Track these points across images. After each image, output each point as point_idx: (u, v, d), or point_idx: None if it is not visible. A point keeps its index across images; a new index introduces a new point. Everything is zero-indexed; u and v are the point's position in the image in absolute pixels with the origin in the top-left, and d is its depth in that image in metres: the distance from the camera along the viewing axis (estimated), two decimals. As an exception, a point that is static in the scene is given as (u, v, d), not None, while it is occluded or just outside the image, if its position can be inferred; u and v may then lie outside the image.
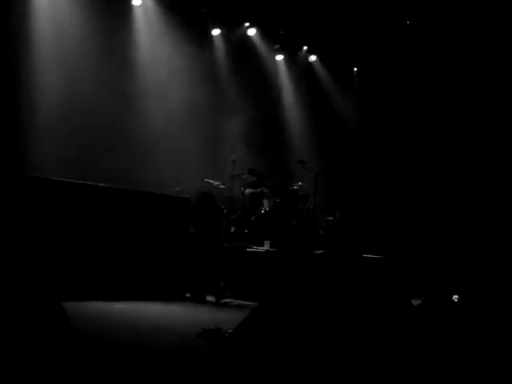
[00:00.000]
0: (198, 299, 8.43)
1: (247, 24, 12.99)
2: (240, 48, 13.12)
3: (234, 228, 11.13)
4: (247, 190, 11.34)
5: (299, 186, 11.73)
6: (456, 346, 5.46)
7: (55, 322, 3.85)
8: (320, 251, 10.29)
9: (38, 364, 3.59)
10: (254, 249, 10.18)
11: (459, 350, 5.38)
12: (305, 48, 14.23)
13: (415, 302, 6.52)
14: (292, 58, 14.22)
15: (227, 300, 8.70)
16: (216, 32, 12.70)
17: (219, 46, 12.86)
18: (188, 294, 8.64)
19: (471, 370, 4.95)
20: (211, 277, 8.64)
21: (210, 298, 8.64)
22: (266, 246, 10.31)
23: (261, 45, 13.45)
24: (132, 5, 11.39)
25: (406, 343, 5.39)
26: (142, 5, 11.47)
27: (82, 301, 7.10)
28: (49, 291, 4.19)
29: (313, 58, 14.36)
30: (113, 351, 4.92)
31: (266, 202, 11.21)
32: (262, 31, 13.24)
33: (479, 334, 5.60)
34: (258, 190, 11.22)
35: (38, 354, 3.62)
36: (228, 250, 10.04)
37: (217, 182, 11.38)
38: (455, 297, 6.19)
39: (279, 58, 13.95)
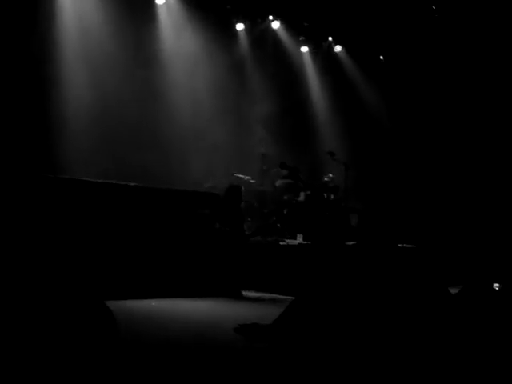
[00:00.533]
0: (233, 295, 8.40)
1: (271, 17, 12.92)
2: (265, 41, 13.07)
3: (266, 222, 11.12)
4: (278, 183, 11.31)
5: (329, 177, 11.67)
6: (496, 335, 5.37)
7: (103, 322, 3.87)
8: (352, 242, 10.23)
9: (88, 363, 3.61)
10: (287, 242, 10.15)
11: (499, 339, 5.29)
12: (329, 39, 14.11)
13: (453, 291, 6.43)
14: (317, 50, 14.12)
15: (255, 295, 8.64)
16: (240, 27, 12.66)
17: (244, 40, 12.82)
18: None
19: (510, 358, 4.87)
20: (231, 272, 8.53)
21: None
22: (299, 239, 10.28)
23: (285, 37, 13.38)
24: (155, 3, 11.40)
25: (444, 332, 5.33)
26: (165, 3, 11.47)
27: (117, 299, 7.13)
28: (93, 291, 4.20)
29: (338, 48, 14.23)
30: (157, 349, 4.93)
31: (301, 195, 11.15)
32: (286, 24, 13.16)
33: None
34: (290, 183, 11.19)
35: (87, 354, 3.65)
36: (261, 245, 10.03)
37: (247, 177, 11.37)
38: (496, 285, 6.09)
39: (304, 49, 13.86)
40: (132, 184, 8.24)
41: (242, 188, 9.28)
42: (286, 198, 11.25)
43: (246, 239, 8.92)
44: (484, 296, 6.18)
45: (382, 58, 14.72)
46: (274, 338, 5.34)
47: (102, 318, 3.88)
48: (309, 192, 10.83)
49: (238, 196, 8.67)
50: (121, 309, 6.57)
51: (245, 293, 8.65)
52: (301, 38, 13.63)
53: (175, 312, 7.04)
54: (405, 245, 10.35)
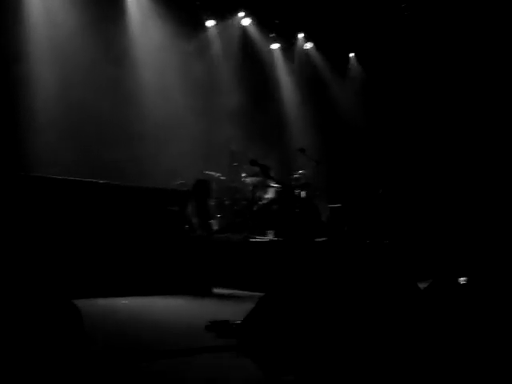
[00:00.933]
0: (203, 292, 8.37)
1: (241, 14, 12.90)
2: (235, 38, 13.05)
3: (237, 219, 11.13)
4: (247, 180, 11.33)
5: (300, 174, 11.71)
6: (463, 329, 5.44)
7: (69, 320, 3.83)
8: (323, 239, 10.28)
9: (52, 364, 3.58)
10: (258, 239, 10.17)
11: (466, 333, 5.36)
12: (300, 36, 14.15)
13: (422, 286, 6.50)
14: (288, 47, 14.15)
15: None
16: (210, 23, 12.63)
17: (214, 36, 12.78)
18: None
19: (478, 354, 4.93)
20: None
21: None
22: (270, 236, 10.31)
23: (256, 34, 13.38)
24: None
25: (413, 327, 5.37)
26: (135, -1, 11.42)
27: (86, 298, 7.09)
28: (58, 289, 4.16)
29: (309, 45, 14.28)
30: (122, 349, 4.91)
31: (269, 192, 11.20)
32: (257, 20, 13.16)
33: (487, 317, 5.58)
34: (260, 179, 11.22)
35: (52, 354, 3.61)
36: (232, 241, 10.03)
37: (217, 174, 11.37)
38: (462, 279, 6.17)
39: (275, 46, 13.88)
40: (101, 181, 8.17)
41: (212, 183, 9.29)
42: (255, 194, 11.28)
43: (214, 234, 8.91)
44: (451, 290, 6.25)
45: (352, 55, 14.83)
46: (244, 334, 5.34)
47: (68, 317, 3.84)
48: (279, 189, 10.86)
49: (207, 190, 8.62)
50: (90, 307, 6.56)
51: (216, 290, 8.65)
52: (271, 35, 13.64)
53: (145, 310, 7.01)
54: (375, 241, 10.45)
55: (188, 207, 8.43)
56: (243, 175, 11.40)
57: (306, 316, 5.26)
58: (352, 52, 14.82)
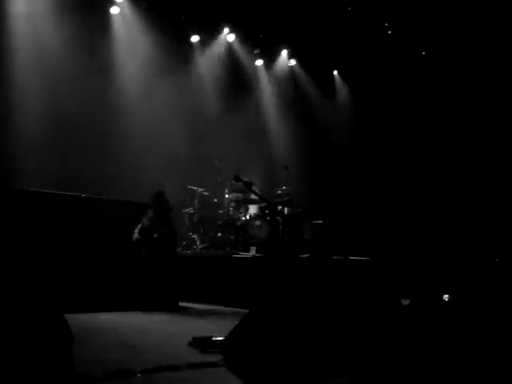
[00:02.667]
0: (171, 307, 8.28)
1: (226, 30, 12.95)
2: (220, 53, 13.09)
3: (219, 234, 11.11)
4: (232, 196, 11.33)
5: (284, 190, 11.73)
6: (446, 344, 5.46)
7: (58, 333, 3.78)
8: (306, 255, 10.28)
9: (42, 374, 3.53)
10: (241, 255, 10.15)
11: (450, 348, 5.38)
12: (284, 52, 14.23)
13: (405, 302, 6.52)
14: (272, 63, 14.21)
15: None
16: (195, 38, 12.67)
17: (199, 52, 12.82)
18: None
19: (461, 367, 4.95)
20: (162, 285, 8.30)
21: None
22: (253, 252, 10.29)
23: (240, 50, 13.43)
24: (110, 13, 11.32)
25: (395, 343, 5.38)
26: (120, 13, 11.40)
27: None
28: (50, 303, 4.11)
29: (292, 62, 14.36)
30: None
31: (251, 208, 11.21)
32: (242, 37, 13.22)
33: (470, 333, 5.61)
34: (243, 196, 11.23)
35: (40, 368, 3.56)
36: (215, 257, 10.01)
37: (200, 189, 11.35)
38: (446, 296, 6.20)
39: (259, 62, 13.94)
40: (83, 195, 8.13)
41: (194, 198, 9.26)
42: (238, 211, 11.28)
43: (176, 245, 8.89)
44: (434, 307, 6.28)
45: (335, 72, 14.94)
46: (229, 350, 5.31)
47: (59, 330, 3.79)
48: (263, 205, 10.87)
49: (163, 201, 8.55)
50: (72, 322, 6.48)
51: (197, 305, 8.59)
52: (256, 51, 13.70)
53: (126, 326, 6.94)
54: (358, 257, 10.47)
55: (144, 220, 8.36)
56: (226, 191, 11.39)
57: (290, 331, 5.25)
58: (336, 69, 14.92)
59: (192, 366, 4.90)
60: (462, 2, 12.15)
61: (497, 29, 12.14)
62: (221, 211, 11.28)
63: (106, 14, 11.30)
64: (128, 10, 11.51)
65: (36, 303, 4.02)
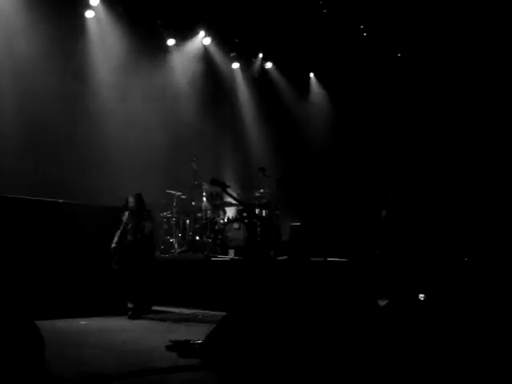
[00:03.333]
0: (143, 310, 8.20)
1: (202, 33, 12.95)
2: (196, 57, 13.08)
3: (197, 237, 11.09)
4: (208, 201, 11.32)
5: (261, 193, 11.75)
6: (423, 343, 5.51)
7: (28, 339, 3.76)
8: (284, 257, 10.30)
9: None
10: (219, 258, 10.15)
11: (427, 347, 5.43)
12: (260, 55, 14.26)
13: (382, 303, 6.57)
14: (248, 66, 14.24)
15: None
16: (171, 42, 12.65)
17: (175, 55, 12.80)
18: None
19: (438, 366, 5.00)
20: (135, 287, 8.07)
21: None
22: (231, 255, 10.29)
23: (216, 53, 13.43)
24: (85, 17, 11.25)
25: (373, 343, 5.42)
26: (95, 16, 11.34)
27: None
28: (22, 310, 4.08)
29: (269, 64, 14.40)
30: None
31: (229, 211, 11.22)
32: (218, 40, 13.23)
33: (446, 332, 5.67)
34: (220, 199, 11.23)
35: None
36: (193, 260, 9.99)
37: (178, 193, 11.33)
38: (421, 296, 6.26)
39: (235, 65, 13.96)
40: (60, 201, 8.07)
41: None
42: (216, 214, 11.28)
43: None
44: (410, 307, 6.33)
45: (312, 74, 15.01)
46: (207, 354, 5.31)
47: (29, 336, 3.77)
48: (240, 208, 10.87)
49: (140, 204, 8.44)
50: (49, 328, 6.44)
51: (176, 309, 8.57)
52: (232, 54, 13.71)
53: (104, 331, 6.92)
54: (336, 259, 10.52)
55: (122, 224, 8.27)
56: (204, 194, 11.38)
57: (268, 334, 5.27)
58: (312, 71, 14.99)
59: (170, 369, 4.90)
60: (435, 4, 12.28)
61: (472, 30, 12.30)
62: (199, 214, 11.27)
63: (81, 17, 11.22)
64: (103, 14, 11.44)
65: (7, 309, 3.98)
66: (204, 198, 11.30)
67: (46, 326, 5.96)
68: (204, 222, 11.09)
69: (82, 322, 7.32)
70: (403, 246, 10.33)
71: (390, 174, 13.73)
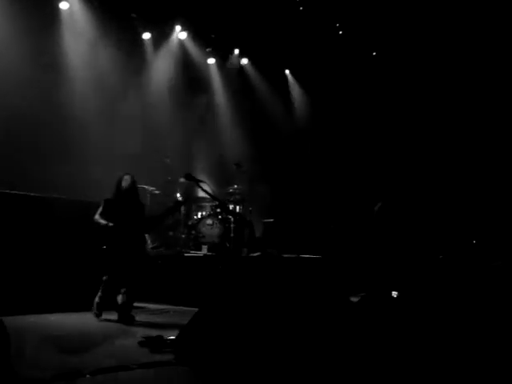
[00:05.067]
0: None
1: (178, 27, 12.87)
2: (171, 51, 13.00)
3: (171, 233, 11.05)
4: (182, 196, 11.28)
5: (235, 189, 11.74)
6: (395, 341, 5.55)
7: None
8: (257, 253, 10.32)
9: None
10: (192, 253, 10.13)
11: (398, 345, 5.47)
12: (236, 51, 14.23)
13: (355, 299, 6.60)
14: (224, 61, 14.19)
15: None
16: (147, 36, 12.54)
17: (150, 49, 12.70)
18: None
19: (409, 364, 5.04)
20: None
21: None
22: (204, 251, 10.28)
23: (192, 48, 13.36)
24: (60, 8, 11.09)
25: (344, 339, 5.45)
26: (69, 8, 11.18)
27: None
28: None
29: (244, 60, 14.37)
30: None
31: (204, 206, 11.17)
32: (193, 35, 13.15)
33: (419, 330, 5.71)
34: (194, 194, 11.20)
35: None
36: (166, 256, 9.95)
37: (151, 188, 11.26)
38: (394, 293, 6.30)
39: (211, 61, 13.91)
40: (31, 194, 7.96)
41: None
42: (190, 209, 11.24)
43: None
44: (383, 303, 6.37)
45: (287, 71, 15.03)
46: (179, 349, 5.29)
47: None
48: (215, 203, 10.84)
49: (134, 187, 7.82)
50: (20, 324, 6.37)
51: (149, 305, 8.53)
52: (208, 50, 13.66)
53: (75, 326, 6.85)
54: (309, 255, 10.56)
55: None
56: (178, 189, 11.34)
57: (240, 329, 5.27)
58: (288, 68, 15.01)
59: (143, 365, 4.88)
60: (411, 3, 12.39)
61: (448, 30, 12.45)
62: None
63: (55, 8, 11.05)
64: (78, 6, 11.29)
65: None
66: (178, 194, 11.26)
67: (15, 321, 5.90)
68: (178, 217, 11.04)
69: (52, 317, 7.24)
70: (394, 241, 10.38)
71: (365, 171, 13.84)
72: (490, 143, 12.53)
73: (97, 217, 7.44)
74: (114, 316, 7.36)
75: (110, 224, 7.29)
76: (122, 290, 7.30)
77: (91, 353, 5.40)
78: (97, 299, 7.36)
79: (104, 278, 7.35)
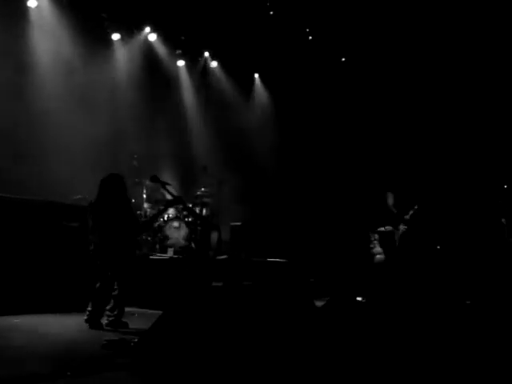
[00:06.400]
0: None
1: (148, 29, 12.81)
2: (141, 53, 12.93)
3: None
4: (148, 199, 11.22)
5: (202, 191, 11.74)
6: (360, 345, 5.60)
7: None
8: (224, 257, 10.32)
9: None
10: (158, 256, 10.08)
11: (364, 349, 5.53)
12: (206, 54, 14.22)
13: (319, 304, 6.65)
14: (193, 64, 14.17)
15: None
16: (116, 37, 12.46)
17: (119, 50, 12.61)
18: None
19: (374, 367, 5.09)
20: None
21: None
22: (170, 253, 10.24)
23: (162, 50, 13.31)
24: (28, 6, 10.94)
25: (308, 343, 5.49)
26: (37, 6, 11.04)
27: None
28: None
29: (214, 63, 14.37)
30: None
31: (169, 209, 11.12)
32: (163, 36, 13.11)
33: (385, 334, 5.78)
34: (160, 197, 11.14)
35: None
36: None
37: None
38: (359, 298, 6.37)
39: (180, 63, 13.87)
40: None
41: None
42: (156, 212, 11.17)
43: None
44: (348, 308, 6.43)
45: (256, 75, 15.08)
46: (140, 353, 5.27)
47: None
48: (180, 206, 10.80)
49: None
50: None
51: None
52: (177, 52, 13.62)
53: (38, 329, 6.77)
54: (275, 259, 10.60)
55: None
56: (144, 192, 11.28)
57: (202, 334, 5.27)
58: (256, 72, 15.07)
59: (104, 368, 4.85)
60: (380, 9, 12.53)
61: (419, 36, 12.64)
62: (138, 212, 11.14)
63: (23, 6, 10.91)
64: (46, 4, 11.16)
65: None
66: (144, 196, 11.21)
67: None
68: (144, 219, 10.97)
69: (16, 319, 7.14)
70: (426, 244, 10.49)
71: (331, 173, 13.95)
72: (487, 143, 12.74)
73: (92, 237, 7.22)
74: (79, 317, 7.30)
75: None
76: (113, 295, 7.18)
77: (53, 355, 5.34)
78: (89, 307, 7.13)
79: (96, 285, 7.15)
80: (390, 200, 10.54)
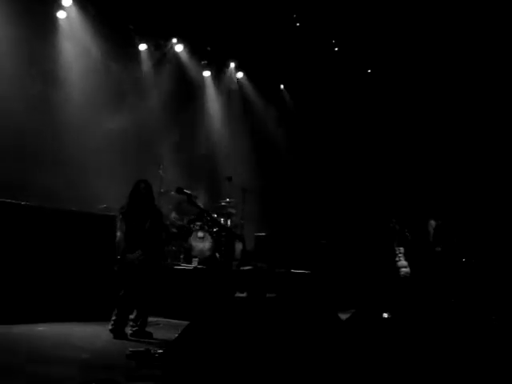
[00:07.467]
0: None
1: (174, 40, 12.90)
2: (167, 63, 13.02)
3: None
4: (175, 209, 11.24)
5: (227, 202, 11.74)
6: (384, 361, 5.54)
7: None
8: (248, 267, 10.30)
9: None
10: (183, 266, 10.09)
11: (387, 364, 5.46)
12: (232, 65, 14.27)
13: (344, 316, 6.59)
14: (219, 75, 14.23)
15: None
16: (143, 47, 12.56)
17: (146, 60, 12.71)
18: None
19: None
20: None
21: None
22: (194, 264, 10.24)
23: (188, 61, 13.38)
24: (57, 17, 11.08)
25: (332, 357, 5.43)
26: (67, 17, 11.18)
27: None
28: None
29: (240, 74, 14.42)
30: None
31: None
32: (189, 47, 13.19)
33: (410, 352, 5.71)
34: (188, 208, 11.15)
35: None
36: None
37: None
38: (385, 314, 6.29)
39: (206, 74, 13.94)
40: (22, 203, 7.91)
41: None
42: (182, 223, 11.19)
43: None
44: (373, 323, 6.36)
45: (282, 86, 15.09)
46: (167, 364, 5.26)
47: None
48: (205, 217, 10.78)
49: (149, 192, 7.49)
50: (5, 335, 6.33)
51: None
52: (203, 62, 13.69)
53: (64, 337, 6.81)
54: (299, 271, 10.55)
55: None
56: (170, 202, 11.31)
57: (229, 345, 5.24)
58: (282, 83, 15.08)
59: (129, 379, 4.85)
60: (407, 22, 12.49)
61: (441, 51, 12.58)
62: (167, 222, 11.15)
63: (53, 17, 11.04)
64: (75, 15, 11.29)
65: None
66: (170, 206, 11.24)
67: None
68: (173, 230, 10.99)
69: (40, 327, 7.18)
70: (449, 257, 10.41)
71: (359, 186, 13.89)
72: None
73: (119, 239, 7.22)
74: (104, 328, 7.33)
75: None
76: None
77: (79, 364, 5.36)
78: (113, 316, 7.10)
79: (120, 292, 7.15)
80: (431, 228, 10.50)
